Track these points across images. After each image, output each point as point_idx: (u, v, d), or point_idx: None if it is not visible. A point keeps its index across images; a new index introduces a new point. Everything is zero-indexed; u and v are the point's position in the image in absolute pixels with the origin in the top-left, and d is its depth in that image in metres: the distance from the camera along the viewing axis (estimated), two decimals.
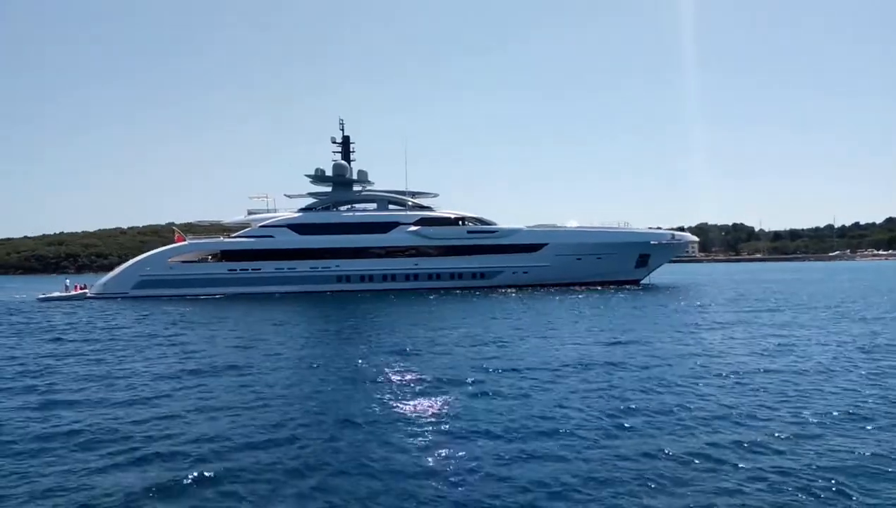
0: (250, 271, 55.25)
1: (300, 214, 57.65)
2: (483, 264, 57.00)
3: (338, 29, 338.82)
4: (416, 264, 56.38)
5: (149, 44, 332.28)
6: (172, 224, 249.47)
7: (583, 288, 55.36)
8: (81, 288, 56.47)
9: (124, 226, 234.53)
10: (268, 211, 58.49)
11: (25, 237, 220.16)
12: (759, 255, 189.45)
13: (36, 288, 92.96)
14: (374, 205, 59.54)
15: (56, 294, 54.65)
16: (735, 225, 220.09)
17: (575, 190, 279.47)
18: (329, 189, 60.17)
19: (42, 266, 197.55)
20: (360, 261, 56.12)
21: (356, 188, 60.37)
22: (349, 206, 59.54)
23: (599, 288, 55.37)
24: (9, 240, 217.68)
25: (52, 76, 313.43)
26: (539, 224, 59.47)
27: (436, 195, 60.94)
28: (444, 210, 58.61)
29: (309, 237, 56.15)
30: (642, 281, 61.72)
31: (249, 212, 58.73)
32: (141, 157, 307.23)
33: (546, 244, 57.51)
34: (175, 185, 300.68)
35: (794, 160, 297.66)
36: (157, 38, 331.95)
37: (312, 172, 59.16)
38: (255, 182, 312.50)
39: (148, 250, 56.86)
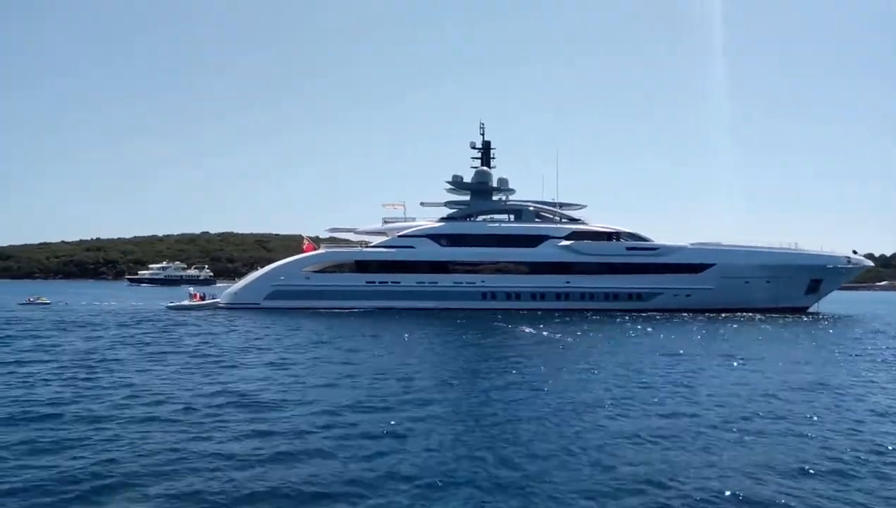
0: (389, 284, 51.13)
1: (442, 224, 53.39)
2: (641, 284, 51.55)
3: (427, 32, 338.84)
4: (568, 282, 51.30)
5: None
6: (231, 233, 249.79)
7: (744, 314, 49.25)
8: (200, 298, 53.46)
9: (160, 233, 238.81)
10: (404, 219, 54.40)
11: (63, 242, 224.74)
12: None
13: (91, 293, 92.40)
14: (512, 217, 54.89)
15: (185, 303, 51.74)
16: None
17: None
18: (467, 197, 55.78)
19: (80, 271, 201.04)
20: (506, 277, 51.43)
21: (496, 197, 55.79)
22: (489, 217, 55.03)
23: (765, 315, 49.14)
24: (46, 244, 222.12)
25: (95, 83, 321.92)
26: (701, 241, 53.61)
27: (584, 206, 55.85)
28: (596, 223, 53.46)
29: (452, 249, 51.83)
30: (810, 309, 55.22)
31: (384, 221, 54.75)
32: (176, 167, 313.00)
33: (713, 264, 51.67)
34: (209, 196, 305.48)
35: None
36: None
37: (450, 179, 54.94)
38: (290, 193, 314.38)
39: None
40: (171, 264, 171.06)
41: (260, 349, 26.17)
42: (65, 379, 18.18)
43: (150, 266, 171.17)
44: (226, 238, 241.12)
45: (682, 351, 25.97)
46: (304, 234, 56.01)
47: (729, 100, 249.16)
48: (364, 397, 16.02)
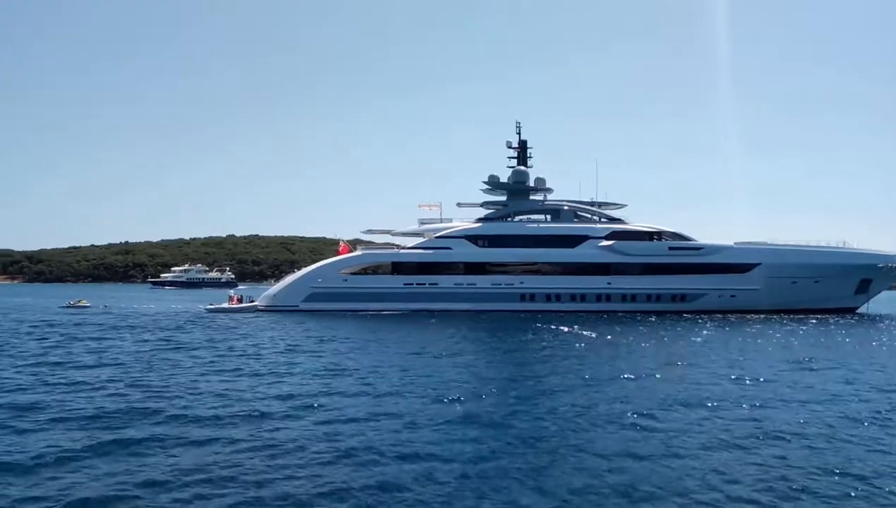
0: (427, 286, 50.54)
1: (479, 224, 52.69)
2: (685, 285, 50.29)
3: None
4: (609, 283, 50.24)
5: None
6: (256, 236, 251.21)
7: (792, 315, 47.78)
8: (238, 300, 53.36)
9: (187, 236, 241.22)
10: (440, 220, 53.79)
11: (92, 246, 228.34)
12: None
13: (122, 295, 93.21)
14: (549, 217, 53.98)
15: (225, 305, 51.72)
16: None
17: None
18: (503, 197, 55.01)
19: (110, 274, 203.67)
20: (545, 279, 50.55)
21: (533, 197, 54.92)
22: (526, 217, 54.19)
23: (816, 316, 47.68)
24: (76, 248, 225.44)
25: (123, 83, 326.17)
26: (745, 240, 52.21)
27: (624, 205, 54.78)
28: (637, 223, 52.35)
29: (490, 250, 51.15)
30: (859, 310, 53.56)
31: (421, 222, 54.19)
32: (200, 170, 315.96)
33: (758, 264, 50.26)
34: (235, 198, 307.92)
35: None
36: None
37: (486, 179, 54.20)
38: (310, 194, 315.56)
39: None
40: (193, 267, 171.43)
41: (312, 352, 25.72)
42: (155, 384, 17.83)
43: (173, 269, 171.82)
44: (251, 240, 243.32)
45: (808, 358, 24.17)
46: (340, 237, 55.57)
47: (735, 100, 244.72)
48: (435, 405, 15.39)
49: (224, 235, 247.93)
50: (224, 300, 54.33)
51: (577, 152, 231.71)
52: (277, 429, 12.83)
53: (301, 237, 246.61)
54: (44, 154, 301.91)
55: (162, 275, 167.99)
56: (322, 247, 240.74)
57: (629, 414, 14.13)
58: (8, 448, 11.35)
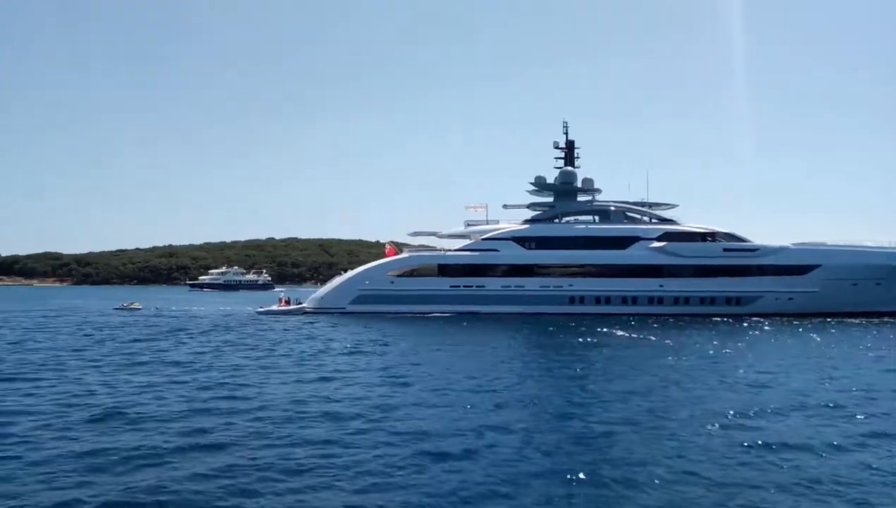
0: (474, 288, 50.18)
1: (526, 226, 52.09)
2: (740, 288, 48.83)
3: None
4: (661, 286, 49.12)
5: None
6: (295, 238, 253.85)
7: (846, 319, 45.92)
8: (286, 303, 53.80)
9: (227, 239, 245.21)
10: (487, 222, 53.36)
11: (137, 249, 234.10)
12: None
13: (168, 297, 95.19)
14: (598, 218, 53.02)
15: (274, 307, 52.25)
16: None
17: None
18: (550, 199, 54.32)
19: (154, 276, 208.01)
20: (595, 281, 49.67)
21: (581, 198, 54.10)
22: (573, 219, 53.41)
23: (881, 319, 45.75)
24: (123, 251, 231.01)
25: (158, 87, 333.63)
26: (802, 241, 50.52)
27: (675, 206, 53.53)
28: (690, 223, 51.11)
29: (537, 252, 50.50)
30: None
31: (467, 224, 53.84)
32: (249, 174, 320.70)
33: (818, 266, 48.53)
34: (272, 202, 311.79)
35: None
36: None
37: (533, 180, 53.60)
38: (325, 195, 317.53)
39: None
40: (230, 269, 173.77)
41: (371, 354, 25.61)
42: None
43: (210, 271, 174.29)
44: (290, 243, 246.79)
45: None
46: (386, 240, 55.45)
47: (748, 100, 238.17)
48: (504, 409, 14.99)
49: (264, 238, 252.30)
50: (271, 302, 54.91)
51: (624, 153, 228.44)
52: (362, 431, 12.62)
53: (339, 239, 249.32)
54: (90, 162, 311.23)
55: (200, 278, 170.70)
56: (359, 249, 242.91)
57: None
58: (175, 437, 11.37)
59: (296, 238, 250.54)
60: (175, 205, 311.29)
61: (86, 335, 34.03)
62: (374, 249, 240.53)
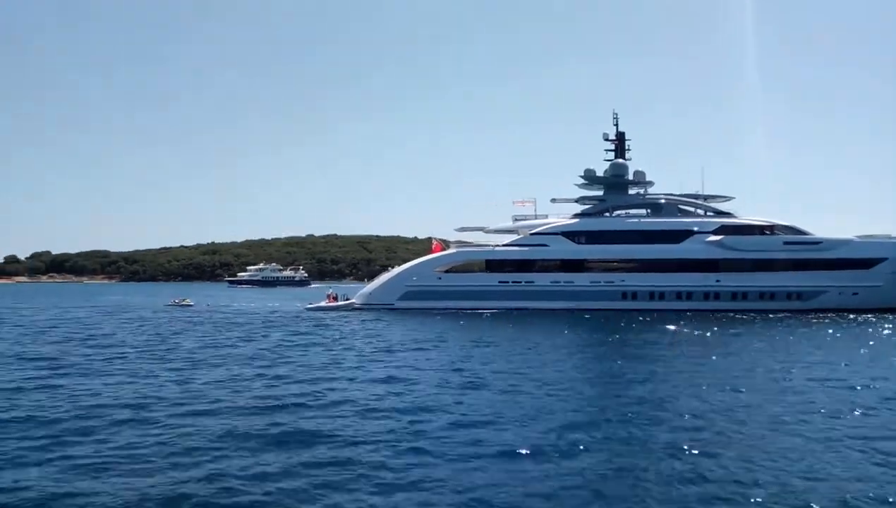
0: (523, 284, 49.45)
1: (576, 220, 51.11)
2: (802, 282, 47.01)
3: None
4: (718, 281, 47.59)
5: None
6: (334, 235, 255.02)
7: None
8: (334, 299, 53.88)
9: (268, 236, 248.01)
10: (535, 217, 52.55)
11: (182, 246, 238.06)
12: None
13: (210, 293, 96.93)
14: (649, 211, 51.64)
15: (323, 303, 52.41)
16: None
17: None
18: (600, 192, 53.16)
19: (198, 273, 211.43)
20: (648, 276, 48.39)
21: (632, 191, 52.82)
22: (624, 212, 52.15)
23: None
24: (167, 248, 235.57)
25: (188, 87, 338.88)
26: (868, 234, 48.43)
27: (731, 198, 51.87)
28: (747, 216, 49.42)
29: (588, 246, 49.47)
30: None
31: (515, 219, 53.11)
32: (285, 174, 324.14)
33: (884, 259, 46.43)
34: (312, 200, 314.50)
35: None
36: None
37: (582, 173, 52.49)
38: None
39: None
40: (267, 266, 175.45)
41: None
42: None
43: (248, 268, 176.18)
44: (329, 240, 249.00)
45: None
46: (433, 237, 54.90)
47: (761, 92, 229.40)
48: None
49: (304, 235, 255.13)
50: (316, 299, 55.12)
51: (674, 147, 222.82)
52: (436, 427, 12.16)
53: (376, 236, 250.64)
54: (136, 162, 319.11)
55: (239, 275, 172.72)
56: (396, 245, 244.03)
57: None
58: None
59: (335, 235, 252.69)
60: (217, 203, 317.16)
61: (175, 332, 34.07)
62: (411, 245, 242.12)
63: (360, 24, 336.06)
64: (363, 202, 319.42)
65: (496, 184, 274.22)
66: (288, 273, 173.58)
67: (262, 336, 32.12)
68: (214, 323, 40.14)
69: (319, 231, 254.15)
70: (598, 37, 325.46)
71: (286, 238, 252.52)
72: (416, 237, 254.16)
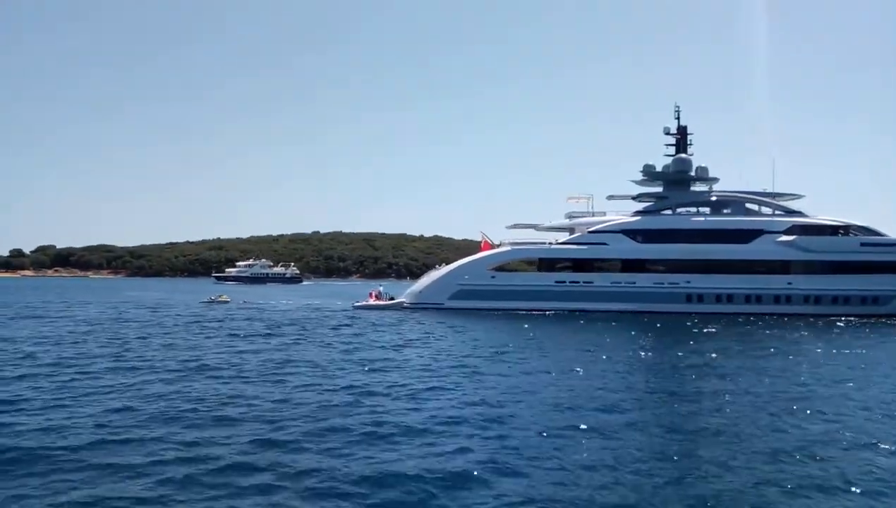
0: (581, 284, 46.96)
1: (637, 218, 48.63)
2: (880, 286, 44.65)
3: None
4: (790, 283, 45.17)
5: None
6: (340, 232, 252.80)
7: None
8: (376, 296, 51.36)
9: (274, 233, 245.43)
10: (592, 214, 50.08)
11: (188, 242, 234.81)
12: None
13: (192, 289, 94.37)
14: (709, 209, 49.12)
15: (371, 302, 49.90)
16: None
17: None
18: (660, 189, 50.70)
19: (204, 269, 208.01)
20: (715, 278, 45.90)
21: (695, 187, 50.37)
22: (686, 210, 49.65)
23: None
24: (174, 244, 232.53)
25: (218, 95, 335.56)
26: None
27: (802, 196, 49.41)
28: (821, 216, 46.99)
29: (650, 246, 46.96)
30: None
31: (569, 216, 50.65)
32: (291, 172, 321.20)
33: None
34: (321, 198, 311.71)
35: None
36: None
37: (642, 168, 50.06)
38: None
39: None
40: (257, 262, 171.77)
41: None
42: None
43: (237, 264, 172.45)
44: (335, 237, 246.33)
45: None
46: (482, 234, 52.10)
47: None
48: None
49: (309, 232, 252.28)
50: (355, 296, 52.74)
51: (740, 143, 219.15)
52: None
53: (382, 233, 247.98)
54: (141, 157, 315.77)
55: (227, 270, 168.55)
56: (402, 242, 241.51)
57: None
58: None
59: (340, 231, 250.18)
60: (223, 199, 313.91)
61: (232, 334, 31.26)
62: (417, 243, 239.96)
63: (375, 19, 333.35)
64: (370, 200, 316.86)
65: (507, 183, 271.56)
66: (278, 269, 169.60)
67: (355, 336, 29.95)
68: (275, 323, 37.43)
69: (325, 228, 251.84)
70: (645, 35, 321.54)
71: (292, 234, 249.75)
72: (421, 235, 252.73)
